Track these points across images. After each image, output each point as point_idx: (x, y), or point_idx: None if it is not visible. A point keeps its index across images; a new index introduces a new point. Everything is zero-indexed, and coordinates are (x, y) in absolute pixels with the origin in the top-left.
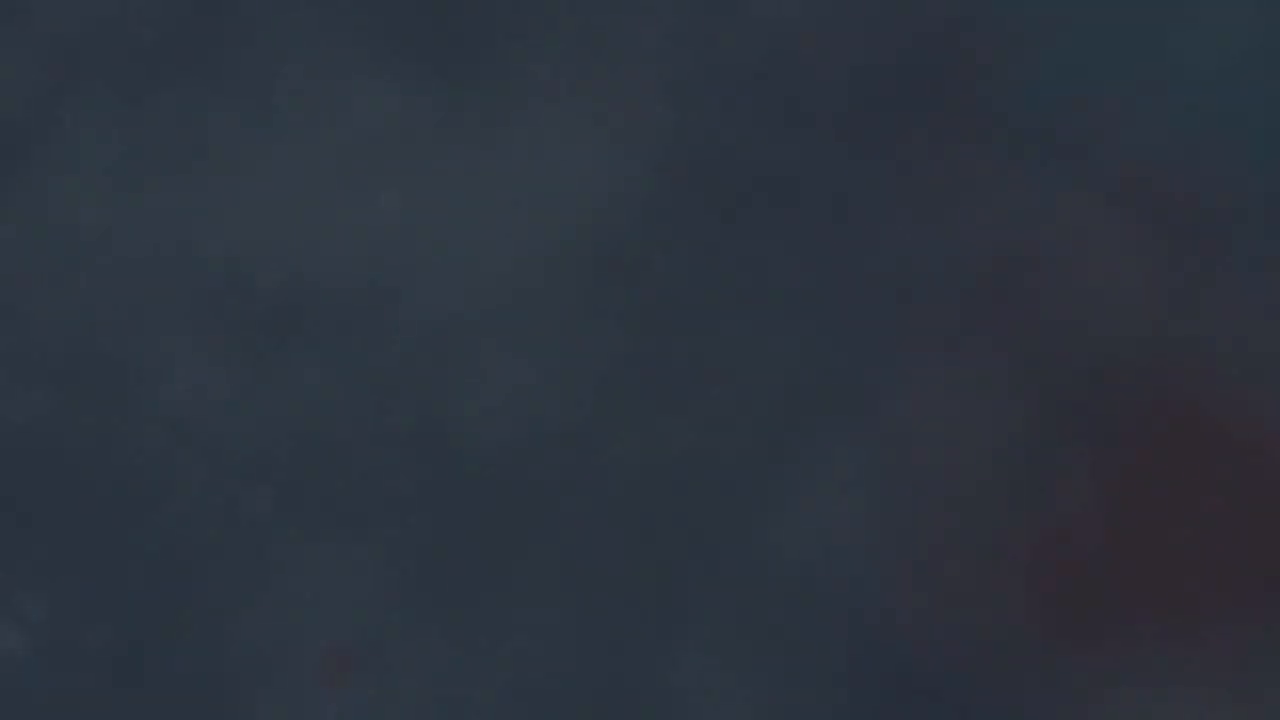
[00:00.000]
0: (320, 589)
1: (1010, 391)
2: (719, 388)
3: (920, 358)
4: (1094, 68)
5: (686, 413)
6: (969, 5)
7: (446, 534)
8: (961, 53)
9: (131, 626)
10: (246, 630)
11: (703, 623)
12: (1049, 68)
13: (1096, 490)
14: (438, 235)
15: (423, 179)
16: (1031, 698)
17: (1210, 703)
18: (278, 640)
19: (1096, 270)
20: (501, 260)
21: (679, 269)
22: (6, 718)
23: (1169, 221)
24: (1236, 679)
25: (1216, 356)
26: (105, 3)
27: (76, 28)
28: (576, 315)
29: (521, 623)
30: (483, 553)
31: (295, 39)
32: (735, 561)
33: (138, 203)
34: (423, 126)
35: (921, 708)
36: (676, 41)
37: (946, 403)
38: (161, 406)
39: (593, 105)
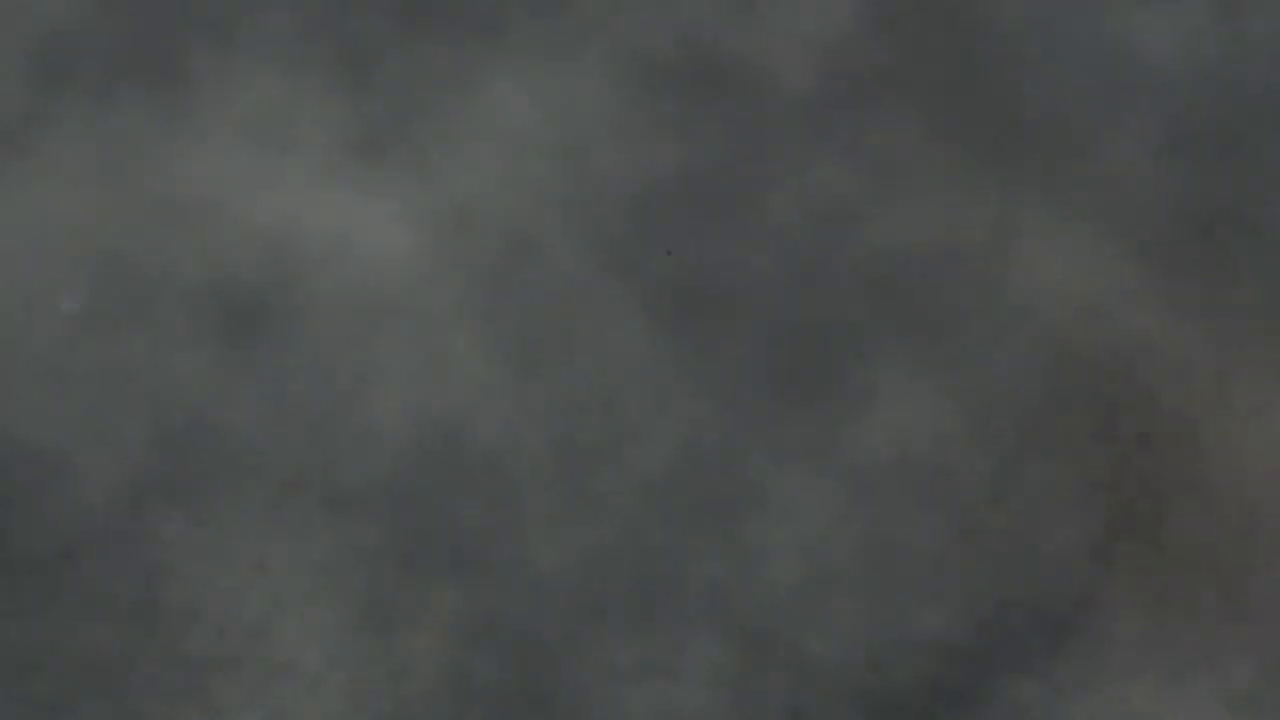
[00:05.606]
0: (263, 587)
1: (964, 391)
2: (673, 384)
3: (881, 353)
4: (1049, 64)
5: (645, 410)
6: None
7: (399, 531)
8: (918, 47)
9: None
10: (174, 624)
11: (673, 625)
12: (1006, 63)
13: (1062, 488)
14: (362, 231)
15: (353, 178)
16: (1012, 703)
17: (1194, 705)
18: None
19: (1049, 268)
20: (456, 261)
21: (630, 268)
22: None
23: (1123, 222)
24: (1211, 681)
25: (1169, 359)
26: (82, 5)
27: (53, 29)
28: (528, 313)
29: (479, 623)
30: (424, 557)
31: (254, 47)
32: (706, 561)
33: (89, 202)
34: (358, 129)
35: (894, 715)
36: (635, 31)
37: (909, 400)
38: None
39: (548, 92)
